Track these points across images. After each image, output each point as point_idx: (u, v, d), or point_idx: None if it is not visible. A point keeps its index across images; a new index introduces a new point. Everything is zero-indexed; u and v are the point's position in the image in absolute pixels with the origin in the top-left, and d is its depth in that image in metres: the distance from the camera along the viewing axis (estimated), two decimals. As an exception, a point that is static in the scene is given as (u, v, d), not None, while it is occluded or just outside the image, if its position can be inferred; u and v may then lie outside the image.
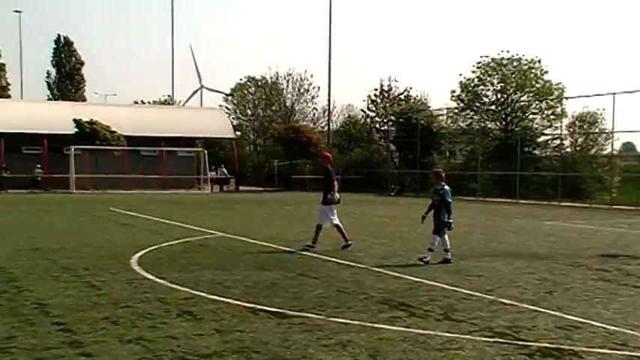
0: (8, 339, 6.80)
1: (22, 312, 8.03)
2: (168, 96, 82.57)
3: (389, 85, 56.25)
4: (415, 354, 6.51)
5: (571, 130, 43.93)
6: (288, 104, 70.36)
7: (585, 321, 8.01)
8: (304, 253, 13.98)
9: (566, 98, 42.32)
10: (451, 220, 12.89)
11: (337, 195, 14.88)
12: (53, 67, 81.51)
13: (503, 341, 7.05)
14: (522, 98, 44.66)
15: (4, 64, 78.05)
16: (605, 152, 41.66)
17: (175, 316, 7.91)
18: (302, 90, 69.85)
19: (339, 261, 12.81)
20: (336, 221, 14.84)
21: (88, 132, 45.77)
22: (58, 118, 48.07)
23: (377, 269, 11.81)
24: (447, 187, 12.94)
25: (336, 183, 14.96)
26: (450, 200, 12.84)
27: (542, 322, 7.96)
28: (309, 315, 8.08)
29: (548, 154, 44.15)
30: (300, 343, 6.81)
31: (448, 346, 6.79)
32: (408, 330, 7.44)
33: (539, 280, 10.98)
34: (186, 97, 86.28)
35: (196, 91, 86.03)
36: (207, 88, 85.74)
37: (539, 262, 13.07)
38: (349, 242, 14.71)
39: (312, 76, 69.56)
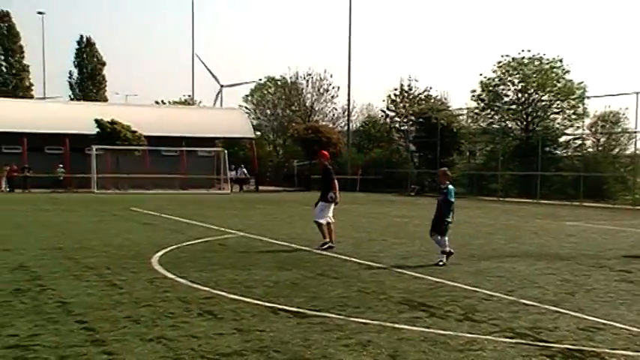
0: (32, 337, 6.87)
1: (46, 310, 8.11)
2: (189, 96, 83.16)
3: (409, 84, 56.11)
4: (435, 354, 6.50)
5: (593, 129, 43.59)
6: (307, 104, 70.42)
7: (608, 322, 7.95)
8: (324, 253, 13.99)
9: (588, 97, 42.05)
10: (451, 220, 12.64)
11: (338, 195, 14.88)
12: (75, 67, 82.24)
13: (525, 342, 7.01)
14: (543, 98, 44.36)
15: (27, 65, 78.97)
16: (627, 152, 41.26)
17: (196, 316, 7.95)
18: (322, 90, 69.90)
19: (359, 261, 12.81)
20: (331, 220, 14.79)
21: (109, 132, 46.13)
22: (80, 118, 48.51)
23: (397, 269, 11.79)
24: (450, 187, 12.67)
25: (336, 182, 14.94)
26: (452, 200, 12.60)
27: (563, 323, 7.91)
28: (329, 315, 8.09)
29: (569, 153, 43.80)
30: (320, 343, 6.81)
31: (469, 347, 6.77)
32: (429, 330, 7.42)
33: (560, 281, 10.91)
34: (212, 101, 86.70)
35: (219, 92, 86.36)
36: (227, 86, 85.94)
37: (561, 263, 12.97)
38: (333, 245, 14.55)
39: (331, 75, 69.64)
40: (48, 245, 14.68)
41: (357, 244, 15.62)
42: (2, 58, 77.16)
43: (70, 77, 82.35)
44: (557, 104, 43.88)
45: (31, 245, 14.66)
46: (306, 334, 7.14)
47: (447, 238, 12.58)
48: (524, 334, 7.33)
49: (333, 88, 69.49)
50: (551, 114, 44.63)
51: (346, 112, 61.16)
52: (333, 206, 14.91)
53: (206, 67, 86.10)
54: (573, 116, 43.37)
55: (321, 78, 69.65)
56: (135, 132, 47.27)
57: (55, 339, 6.80)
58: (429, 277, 10.98)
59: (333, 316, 8.04)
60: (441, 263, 12.31)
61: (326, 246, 14.45)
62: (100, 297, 8.99)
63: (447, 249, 12.53)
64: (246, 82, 78.08)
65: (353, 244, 15.62)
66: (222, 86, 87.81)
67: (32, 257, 12.70)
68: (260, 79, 76.81)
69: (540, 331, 7.50)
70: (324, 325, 7.60)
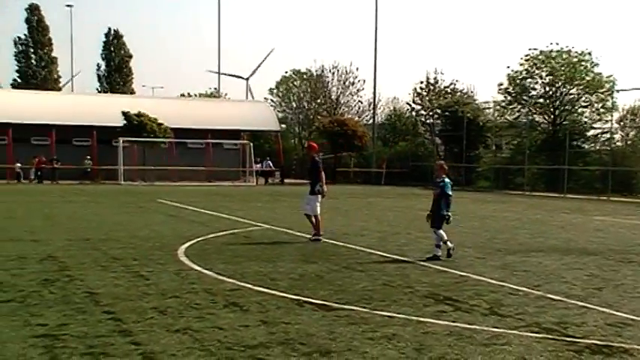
0: (60, 326, 6.96)
1: (74, 300, 8.20)
2: (215, 89, 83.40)
3: (435, 77, 55.79)
4: (461, 348, 6.47)
5: (622, 123, 43.02)
6: (333, 97, 70.35)
7: (636, 318, 7.86)
8: (350, 245, 13.99)
9: (617, 91, 41.47)
10: (449, 214, 12.44)
11: (325, 187, 15.00)
12: (103, 60, 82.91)
13: (551, 337, 6.96)
14: (571, 91, 43.88)
15: (55, 58, 79.77)
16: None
17: (222, 307, 8.00)
18: (347, 83, 69.77)
19: (384, 254, 12.79)
20: (318, 212, 14.83)
21: (135, 124, 46.47)
22: (107, 110, 48.93)
23: (422, 263, 11.75)
24: (447, 180, 12.47)
25: (323, 174, 15.04)
26: (450, 193, 12.42)
27: (591, 318, 7.84)
28: (354, 308, 8.09)
29: (597, 148, 43.30)
30: (345, 336, 6.82)
31: (494, 342, 6.73)
32: (454, 324, 7.39)
33: (588, 276, 10.80)
34: (239, 93, 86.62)
35: (238, 77, 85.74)
36: (250, 76, 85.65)
37: (588, 258, 12.85)
38: (321, 237, 14.64)
39: (357, 69, 69.51)
40: (76, 236, 14.85)
41: (382, 238, 15.60)
42: (32, 50, 78.02)
43: (98, 69, 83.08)
44: (586, 98, 43.39)
45: (59, 236, 14.83)
46: (332, 327, 7.15)
47: (442, 232, 12.36)
48: (551, 329, 7.27)
49: (359, 81, 69.37)
50: (579, 107, 44.14)
51: (372, 106, 61.00)
52: (320, 198, 14.96)
53: (263, 61, 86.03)
54: (602, 110, 42.84)
55: (346, 71, 69.58)
56: (161, 124, 47.56)
57: (83, 329, 6.88)
58: (454, 271, 10.94)
59: (359, 309, 8.04)
60: (438, 254, 12.12)
61: (319, 242, 14.49)
62: (127, 288, 9.08)
63: (449, 244, 12.33)
64: (266, 58, 78.06)
65: (378, 238, 15.60)
66: (247, 79, 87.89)
67: (60, 248, 12.86)
68: (286, 72, 76.91)
69: (567, 326, 7.44)
70: (349, 318, 7.61)
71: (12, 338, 6.47)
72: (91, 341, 6.44)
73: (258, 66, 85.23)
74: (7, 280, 9.38)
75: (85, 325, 7.06)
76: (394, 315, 7.75)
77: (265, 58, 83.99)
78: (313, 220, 14.83)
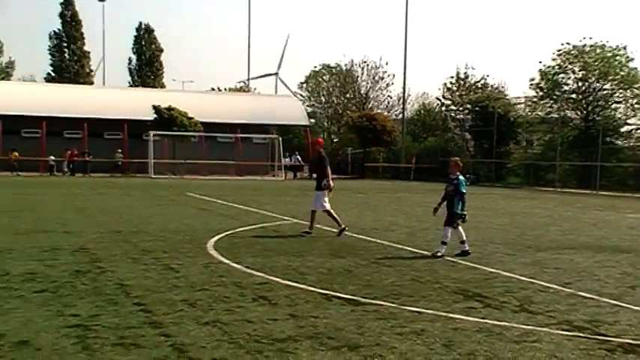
0: (92, 317, 7.04)
1: (105, 292, 8.29)
2: (244, 83, 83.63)
3: (465, 72, 55.48)
4: (490, 345, 6.42)
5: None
6: (362, 92, 70.23)
7: (670, 317, 7.74)
8: (378, 240, 13.95)
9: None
10: (465, 212, 12.18)
11: (332, 182, 15.08)
12: (134, 54, 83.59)
13: (583, 335, 6.87)
14: (605, 86, 43.28)
15: (88, 52, 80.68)
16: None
17: (251, 301, 8.03)
18: (377, 78, 69.61)
19: (413, 250, 12.74)
20: (328, 207, 14.91)
21: (166, 118, 46.84)
22: (138, 104, 49.39)
23: (451, 259, 11.68)
24: (461, 177, 12.18)
25: (329, 169, 15.13)
26: (464, 191, 12.13)
27: (624, 317, 7.73)
28: (382, 303, 8.07)
29: (631, 144, 42.69)
30: (374, 331, 6.81)
31: (525, 339, 6.67)
32: (484, 321, 7.34)
33: (620, 274, 10.66)
34: (257, 76, 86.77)
35: (269, 75, 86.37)
36: (280, 79, 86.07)
37: (621, 256, 12.68)
38: (344, 227, 14.73)
39: (387, 63, 69.38)
40: (107, 228, 15.01)
41: (411, 233, 15.54)
42: (65, 44, 78.96)
43: (129, 64, 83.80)
44: (620, 93, 42.76)
45: (91, 228, 15.00)
46: (360, 322, 7.15)
47: (460, 229, 12.21)
48: (582, 327, 7.19)
49: (389, 76, 69.19)
50: (613, 103, 43.53)
51: (401, 100, 60.78)
52: (327, 193, 15.05)
53: (284, 51, 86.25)
54: (636, 105, 42.20)
55: (376, 66, 69.41)
56: (191, 118, 47.88)
57: (115, 320, 6.95)
58: (484, 268, 10.86)
59: (387, 304, 8.02)
60: (439, 254, 11.85)
61: (344, 232, 14.62)
62: (157, 280, 9.15)
63: (466, 246, 12.13)
64: (270, 74, 78.18)
65: (407, 233, 15.55)
66: (276, 74, 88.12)
67: (92, 240, 13.00)
68: (315, 67, 76.93)
69: (599, 324, 7.35)
70: (377, 313, 7.59)
71: (46, 328, 6.57)
72: (122, 332, 6.51)
73: (282, 57, 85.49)
74: (41, 271, 9.51)
75: (116, 316, 7.13)
76: (423, 311, 7.72)
77: (285, 47, 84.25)
78: (316, 216, 14.92)
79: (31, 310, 7.24)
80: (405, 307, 7.86)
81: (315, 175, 15.66)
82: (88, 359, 5.71)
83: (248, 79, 74.79)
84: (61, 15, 78.67)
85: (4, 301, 7.62)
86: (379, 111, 64.05)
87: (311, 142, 16.54)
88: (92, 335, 6.38)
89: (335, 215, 14.85)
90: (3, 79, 72.80)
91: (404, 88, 57.73)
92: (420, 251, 12.53)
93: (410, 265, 11.06)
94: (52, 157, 46.64)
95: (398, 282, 9.47)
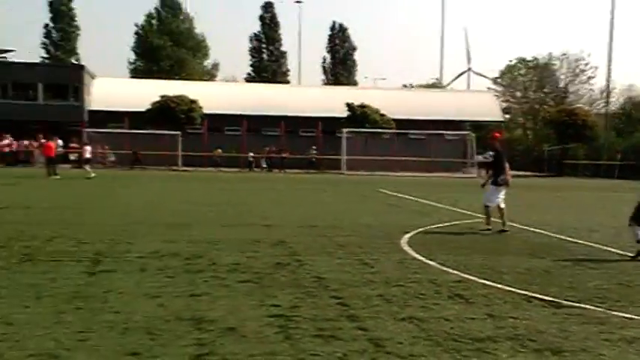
0: (292, 308, 7.28)
1: (304, 284, 8.55)
2: (436, 79, 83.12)
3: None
4: None
5: None
6: (561, 86, 67.16)
7: None
8: (580, 241, 13.24)
9: None
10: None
11: (509, 177, 14.59)
12: (327, 53, 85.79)
13: None
14: None
15: (285, 52, 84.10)
16: None
17: (446, 298, 7.91)
18: (577, 71, 66.23)
19: (619, 251, 11.93)
20: (502, 204, 14.48)
21: (359, 115, 47.64)
22: (332, 102, 50.66)
23: (664, 263, 10.80)
24: None
25: (507, 165, 14.62)
26: None
27: None
28: (586, 306, 7.63)
29: None
30: (578, 335, 6.45)
31: None
32: None
33: None
34: (452, 78, 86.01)
35: (463, 73, 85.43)
36: (474, 72, 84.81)
37: None
38: (506, 229, 14.28)
39: (589, 55, 65.73)
40: (303, 223, 15.49)
41: (616, 234, 14.57)
42: (264, 46, 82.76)
43: (323, 62, 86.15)
44: None
45: (288, 222, 15.56)
46: (563, 325, 6.80)
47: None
48: None
49: (590, 68, 65.57)
50: None
51: (604, 94, 57.34)
52: (504, 190, 14.63)
53: (467, 44, 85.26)
54: None
55: (577, 58, 66.05)
56: (383, 115, 48.32)
57: (313, 312, 7.14)
58: (703, 274, 9.92)
59: (592, 308, 7.57)
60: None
61: (506, 233, 14.22)
62: (353, 274, 9.28)
63: None
64: (491, 78, 76.33)
65: (612, 234, 14.61)
66: (470, 69, 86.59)
67: (289, 234, 13.47)
68: (510, 61, 74.65)
69: None
70: (581, 316, 7.19)
71: (250, 316, 6.88)
72: (320, 324, 6.67)
73: (468, 51, 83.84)
74: (244, 262, 10.00)
75: (314, 308, 7.32)
76: (634, 317, 7.19)
77: (467, 41, 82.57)
78: (490, 212, 14.59)
79: (237, 299, 7.62)
80: (613, 312, 7.38)
81: (490, 172, 15.24)
82: (291, 348, 5.90)
83: (441, 79, 74.21)
84: (261, 18, 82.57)
85: (213, 289, 8.09)
86: (579, 105, 60.90)
87: (490, 137, 16.28)
88: (293, 326, 6.59)
89: (505, 214, 14.56)
90: (208, 80, 77.67)
91: (608, 81, 54.51)
92: (628, 253, 11.69)
93: (616, 267, 10.38)
94: (251, 154, 49.14)
95: (604, 285, 8.90)
